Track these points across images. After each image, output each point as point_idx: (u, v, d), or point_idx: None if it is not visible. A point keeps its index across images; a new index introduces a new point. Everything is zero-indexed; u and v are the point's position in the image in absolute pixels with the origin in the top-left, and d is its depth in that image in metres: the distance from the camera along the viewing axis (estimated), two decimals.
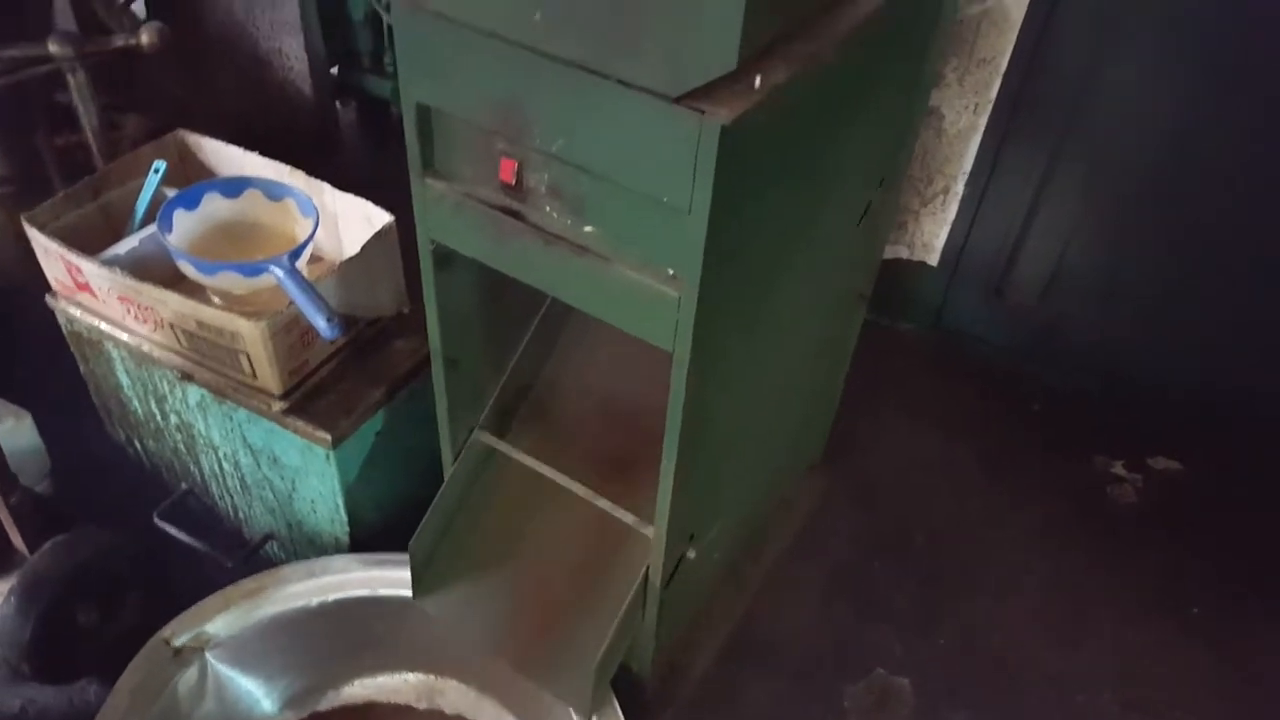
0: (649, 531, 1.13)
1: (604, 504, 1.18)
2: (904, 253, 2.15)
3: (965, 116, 1.89)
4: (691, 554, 1.20)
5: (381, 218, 1.40)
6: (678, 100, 0.78)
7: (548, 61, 0.83)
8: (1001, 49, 1.77)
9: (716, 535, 1.34)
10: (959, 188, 1.99)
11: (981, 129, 1.89)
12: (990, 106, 1.85)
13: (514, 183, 0.97)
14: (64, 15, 1.83)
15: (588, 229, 0.95)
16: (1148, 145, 1.75)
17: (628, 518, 1.17)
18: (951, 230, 2.05)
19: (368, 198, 1.44)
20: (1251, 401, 1.90)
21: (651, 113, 0.80)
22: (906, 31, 1.15)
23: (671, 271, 0.91)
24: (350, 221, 1.46)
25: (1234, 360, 1.89)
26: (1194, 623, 1.65)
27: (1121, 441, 1.95)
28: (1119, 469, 1.91)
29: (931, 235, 2.09)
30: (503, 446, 1.25)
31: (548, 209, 0.97)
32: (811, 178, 1.07)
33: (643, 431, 1.27)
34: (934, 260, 2.12)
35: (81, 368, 1.58)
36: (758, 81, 0.80)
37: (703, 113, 0.77)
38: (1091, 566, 1.73)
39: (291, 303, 1.22)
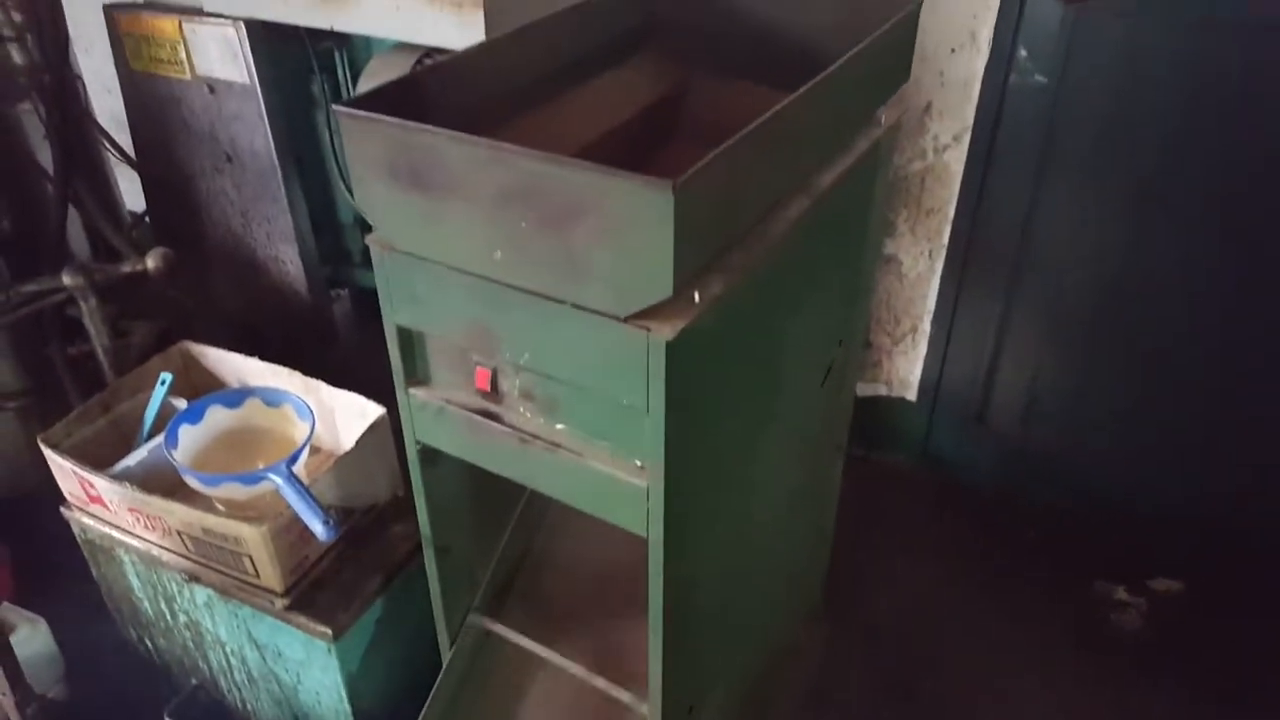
0: (645, 709, 1.16)
1: (600, 683, 1.21)
2: (882, 390, 2.22)
3: (922, 261, 2.00)
4: None
5: (375, 411, 1.48)
6: (626, 320, 0.87)
7: (509, 290, 0.92)
8: (946, 199, 1.90)
9: (721, 697, 1.36)
10: (926, 326, 2.08)
11: (939, 271, 2.00)
12: (944, 251, 1.96)
13: (489, 389, 1.05)
14: (78, 240, 1.98)
15: (559, 427, 1.03)
16: (1092, 274, 1.86)
17: (624, 695, 1.20)
18: (925, 366, 2.14)
19: (364, 382, 1.52)
20: (1242, 514, 1.93)
21: (604, 331, 0.89)
22: (842, 212, 1.26)
23: (639, 463, 0.98)
24: (346, 415, 1.55)
25: (1218, 473, 1.93)
26: None
27: (1120, 564, 1.96)
28: (1121, 594, 1.92)
29: (906, 372, 2.17)
30: (498, 629, 1.30)
31: (522, 410, 1.05)
32: (768, 360, 1.15)
33: (636, 600, 1.32)
34: (912, 395, 2.19)
35: (94, 572, 1.64)
36: (697, 297, 0.89)
37: (649, 330, 0.86)
38: (1105, 702, 1.71)
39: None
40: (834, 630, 1.83)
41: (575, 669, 1.24)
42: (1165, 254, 1.77)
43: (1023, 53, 1.70)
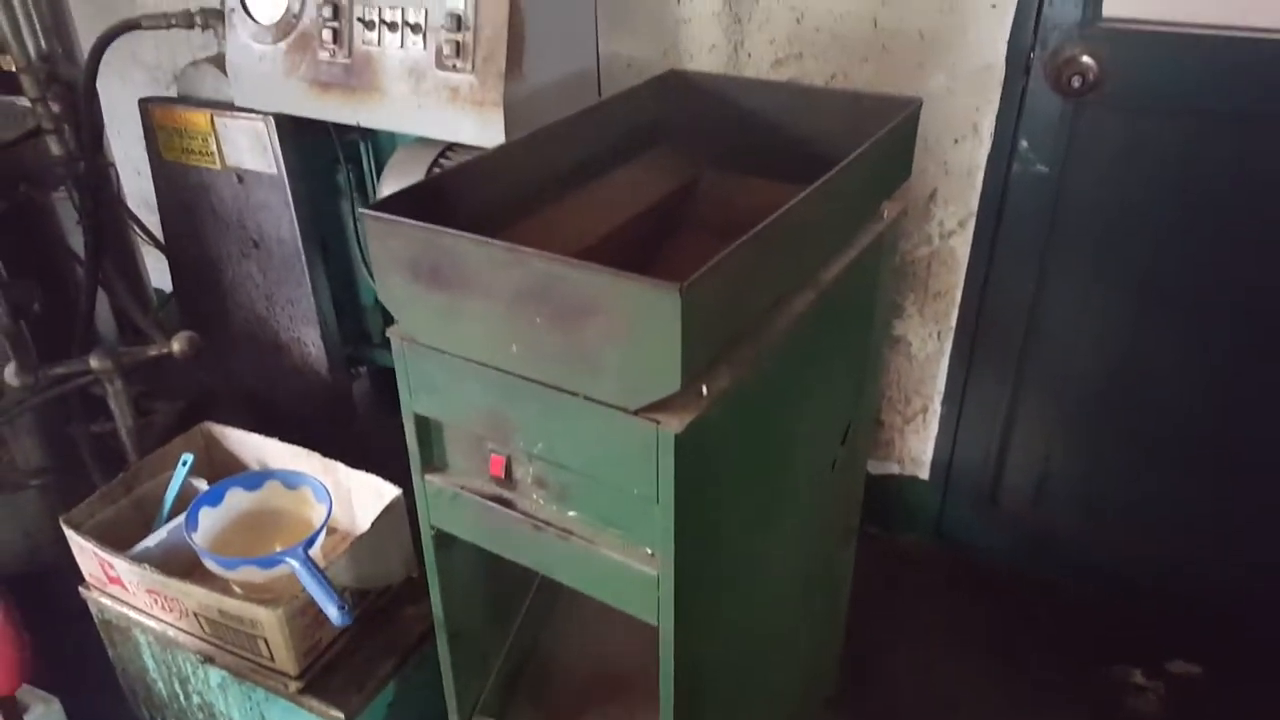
0: None
1: None
2: (894, 468, 2.23)
3: (931, 343, 2.03)
4: None
5: (391, 492, 1.51)
6: (636, 413, 0.90)
7: (525, 382, 0.96)
8: (953, 283, 1.94)
9: None
10: (936, 406, 2.10)
11: (948, 352, 2.02)
12: (952, 332, 1.99)
13: (504, 475, 1.08)
14: (104, 317, 2.03)
15: (571, 514, 1.05)
16: (1099, 357, 1.88)
17: None
18: (936, 445, 2.15)
19: (381, 461, 1.54)
20: (1260, 595, 1.92)
21: (615, 423, 0.92)
22: (847, 302, 1.29)
23: (650, 551, 1.00)
24: (362, 495, 1.57)
25: (1235, 554, 1.92)
26: None
27: (1136, 647, 1.94)
28: (1138, 677, 1.89)
29: (918, 451, 2.19)
30: None
31: (535, 496, 1.07)
32: (777, 447, 1.17)
33: (648, 687, 1.32)
34: (924, 474, 2.20)
35: (110, 652, 1.65)
36: (704, 390, 0.92)
37: (658, 423, 0.89)
38: None
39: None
40: (848, 716, 1.81)
41: None
42: (1170, 338, 1.80)
43: (1024, 144, 1.75)
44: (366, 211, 0.95)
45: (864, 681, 1.86)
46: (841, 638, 1.77)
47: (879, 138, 1.14)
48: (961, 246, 1.90)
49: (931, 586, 2.16)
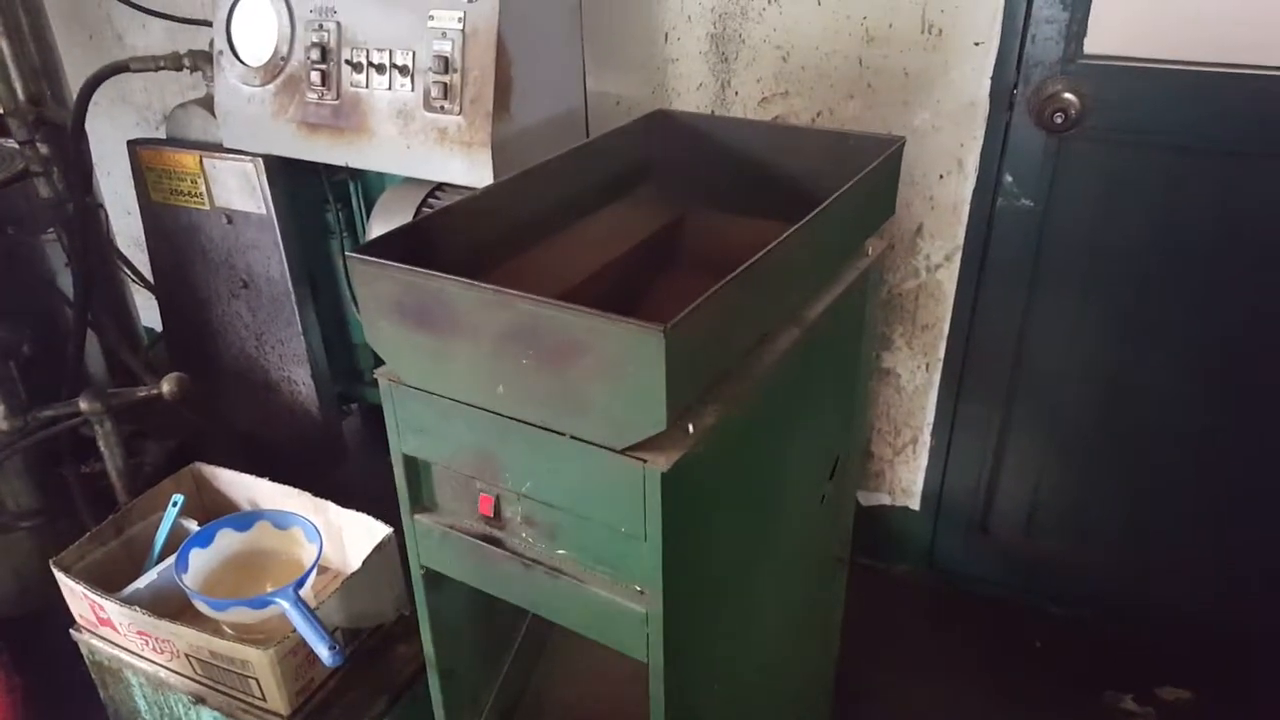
0: None
1: None
2: (885, 499, 2.24)
3: (920, 374, 2.04)
4: None
5: (381, 531, 1.51)
6: (623, 452, 0.91)
7: (512, 423, 0.96)
8: (941, 315, 1.95)
9: None
10: (926, 437, 2.11)
11: (936, 384, 2.03)
12: (940, 364, 2.00)
13: (492, 514, 1.08)
14: (94, 358, 2.03)
15: (560, 552, 1.05)
16: (1087, 386, 1.89)
17: None
18: (926, 476, 2.15)
19: (372, 499, 1.54)
20: (1250, 620, 1.92)
21: (602, 462, 0.92)
22: (833, 337, 1.30)
23: (639, 588, 1.00)
24: (353, 534, 1.57)
25: (1224, 580, 1.93)
26: None
27: (1128, 673, 1.95)
28: (1129, 703, 1.90)
29: (909, 482, 2.19)
30: None
31: (524, 535, 1.07)
32: (765, 482, 1.18)
33: None
34: (915, 505, 2.20)
35: (101, 693, 1.64)
36: (691, 428, 0.92)
37: (644, 462, 0.90)
38: None
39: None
40: None
41: None
42: (1156, 368, 1.81)
43: (1008, 178, 1.77)
44: (353, 255, 0.96)
45: (857, 713, 1.86)
46: (833, 669, 1.76)
47: (862, 177, 1.15)
48: (948, 280, 1.92)
49: (924, 617, 2.15)
